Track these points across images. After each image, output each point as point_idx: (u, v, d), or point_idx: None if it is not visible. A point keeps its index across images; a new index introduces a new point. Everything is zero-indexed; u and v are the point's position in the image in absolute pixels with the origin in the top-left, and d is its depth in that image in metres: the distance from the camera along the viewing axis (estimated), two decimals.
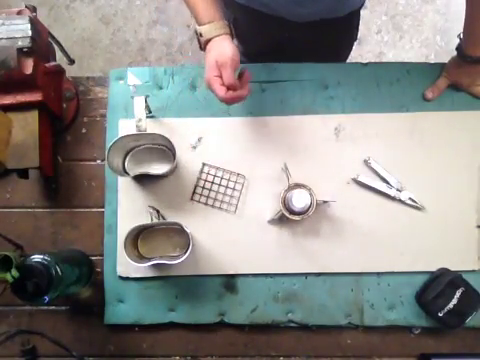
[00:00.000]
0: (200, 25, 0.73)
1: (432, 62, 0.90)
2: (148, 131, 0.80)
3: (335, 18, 0.93)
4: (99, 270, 0.86)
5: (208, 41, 0.72)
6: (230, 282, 0.83)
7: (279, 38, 0.99)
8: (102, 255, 0.85)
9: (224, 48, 0.71)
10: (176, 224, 0.80)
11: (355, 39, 1.10)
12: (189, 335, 0.84)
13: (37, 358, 0.85)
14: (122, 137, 0.79)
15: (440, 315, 0.79)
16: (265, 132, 0.86)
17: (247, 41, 1.14)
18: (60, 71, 0.88)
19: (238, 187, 0.84)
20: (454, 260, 0.82)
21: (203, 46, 0.73)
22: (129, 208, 0.84)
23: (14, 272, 0.65)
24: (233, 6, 0.96)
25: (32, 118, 0.81)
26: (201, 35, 0.72)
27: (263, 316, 0.83)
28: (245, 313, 0.83)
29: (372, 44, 1.84)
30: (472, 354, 0.83)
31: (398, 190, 0.82)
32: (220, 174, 0.85)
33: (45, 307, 0.86)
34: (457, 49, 0.81)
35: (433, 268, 0.82)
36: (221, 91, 0.70)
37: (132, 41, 1.89)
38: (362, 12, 1.00)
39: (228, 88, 0.70)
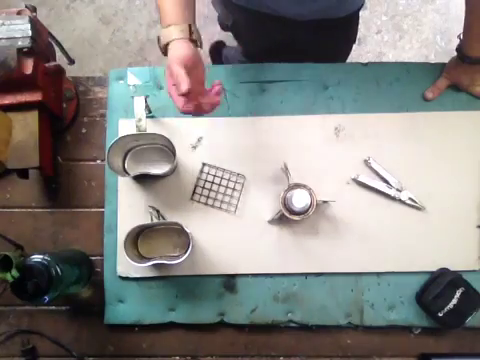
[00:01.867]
0: (162, 27, 0.66)
1: (432, 62, 0.90)
2: (148, 131, 0.80)
3: (334, 19, 0.93)
4: (99, 270, 0.86)
5: (166, 46, 0.65)
6: (230, 282, 0.83)
7: (279, 38, 0.99)
8: (102, 255, 0.85)
9: (178, 50, 0.64)
10: (176, 224, 0.80)
11: (354, 40, 1.10)
12: (189, 335, 0.84)
13: (37, 358, 0.85)
14: (122, 137, 0.79)
15: (440, 315, 0.79)
16: (265, 132, 0.85)
17: (247, 42, 1.14)
18: (60, 71, 0.88)
19: (238, 187, 0.84)
20: (454, 260, 0.82)
21: (162, 51, 0.66)
22: (129, 208, 0.84)
23: (14, 272, 0.65)
24: (232, 8, 0.96)
25: (32, 118, 0.81)
26: (158, 39, 0.66)
27: (263, 316, 0.83)
28: (245, 313, 0.83)
29: (372, 44, 1.84)
30: (472, 354, 0.83)
31: (398, 190, 0.82)
32: (220, 174, 0.85)
33: (45, 307, 0.86)
34: (457, 50, 0.81)
35: (433, 268, 0.82)
36: (179, 101, 0.63)
37: (132, 41, 1.89)
38: (362, 12, 1.01)
39: (188, 96, 0.63)
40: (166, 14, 0.66)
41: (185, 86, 0.60)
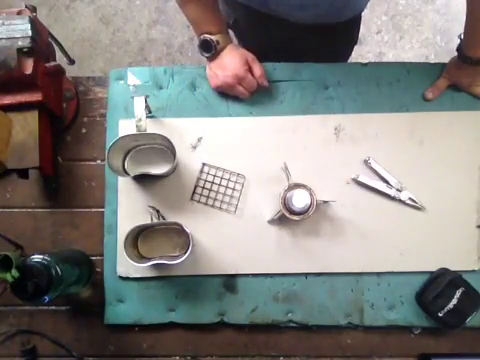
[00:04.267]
0: (213, 34, 0.81)
1: (432, 62, 0.90)
2: (148, 131, 0.80)
3: (336, 22, 0.93)
4: (99, 270, 0.86)
5: (223, 48, 0.83)
6: (230, 282, 0.83)
7: (280, 39, 0.99)
8: (102, 255, 0.85)
9: (244, 50, 0.85)
10: (176, 224, 0.80)
11: (355, 42, 1.10)
12: (189, 335, 0.84)
13: (37, 358, 0.85)
14: (122, 137, 0.79)
15: (440, 315, 0.79)
16: (265, 132, 0.86)
17: (247, 41, 1.14)
18: (60, 71, 0.88)
19: (238, 187, 0.84)
20: (454, 260, 0.82)
21: (217, 52, 0.83)
22: (129, 208, 0.84)
23: (14, 272, 0.65)
24: (234, 6, 0.96)
25: (32, 118, 0.81)
26: (218, 42, 0.82)
27: (263, 316, 0.83)
28: (245, 313, 0.83)
29: (372, 44, 1.84)
30: (472, 354, 0.83)
31: (398, 190, 0.82)
32: (220, 174, 0.85)
33: (45, 307, 0.86)
34: (457, 50, 0.81)
35: (433, 268, 0.82)
36: (253, 82, 0.84)
37: (132, 41, 1.89)
38: (362, 13, 1.00)
39: (257, 82, 0.84)
40: (216, 22, 0.83)
41: (262, 68, 0.85)
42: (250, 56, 0.84)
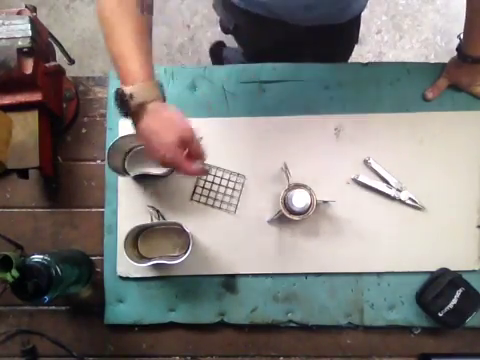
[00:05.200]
0: (129, 84, 0.57)
1: (432, 62, 0.90)
2: None
3: (337, 23, 0.93)
4: (99, 270, 0.86)
5: (142, 105, 0.58)
6: (230, 282, 0.83)
7: (281, 41, 0.99)
8: (102, 255, 0.85)
9: (179, 119, 0.60)
10: (176, 224, 0.80)
11: (356, 41, 1.10)
12: (189, 335, 0.84)
13: (37, 358, 0.85)
14: (122, 137, 0.79)
15: (440, 315, 0.79)
16: (265, 132, 0.85)
17: (248, 44, 1.14)
18: (60, 71, 0.88)
19: (238, 187, 0.84)
20: (454, 260, 0.82)
21: (131, 111, 0.58)
22: (129, 208, 0.84)
23: (14, 272, 0.65)
24: (234, 11, 0.95)
25: (32, 118, 0.81)
26: (131, 97, 0.56)
27: (263, 316, 0.83)
28: (245, 313, 0.83)
29: (372, 44, 1.84)
30: (472, 354, 0.83)
31: (398, 190, 0.82)
32: (220, 174, 0.85)
33: (45, 307, 0.86)
34: (457, 49, 0.81)
35: (433, 268, 0.82)
36: (191, 166, 0.62)
37: None
38: (362, 12, 1.01)
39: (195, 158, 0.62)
40: (137, 69, 0.57)
41: (201, 147, 0.62)
42: (186, 134, 0.61)
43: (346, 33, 1.02)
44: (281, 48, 0.97)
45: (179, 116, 0.61)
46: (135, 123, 0.60)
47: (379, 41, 1.85)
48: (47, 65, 0.82)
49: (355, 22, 1.00)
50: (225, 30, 1.31)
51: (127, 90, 0.56)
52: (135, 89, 0.57)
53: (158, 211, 0.83)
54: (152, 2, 0.64)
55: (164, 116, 0.60)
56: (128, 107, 0.57)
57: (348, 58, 1.18)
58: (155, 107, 0.59)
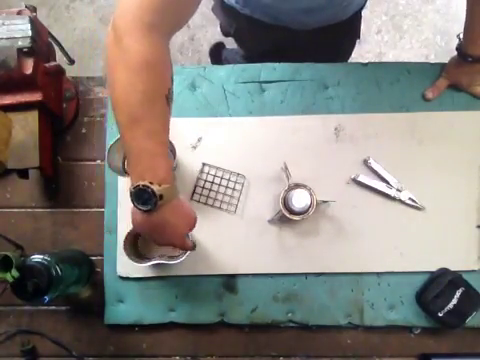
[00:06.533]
0: (155, 182, 0.57)
1: (432, 62, 0.90)
2: None
3: (339, 21, 0.93)
4: (99, 270, 0.86)
5: (165, 203, 0.59)
6: (230, 282, 0.83)
7: (282, 43, 0.99)
8: (102, 255, 0.85)
9: (192, 214, 0.68)
10: None
11: (358, 37, 1.09)
12: (189, 335, 0.84)
13: (37, 358, 0.85)
14: None
15: (440, 315, 0.79)
16: (265, 132, 0.85)
17: (249, 47, 1.13)
18: (60, 71, 0.88)
19: (238, 187, 0.84)
20: (454, 260, 0.82)
21: (157, 207, 0.59)
22: (129, 208, 0.84)
23: (14, 272, 0.65)
24: (235, 16, 0.95)
25: (32, 118, 0.81)
26: (161, 198, 0.58)
27: (263, 316, 0.83)
28: (245, 313, 0.83)
29: (372, 44, 1.84)
30: (472, 354, 0.83)
31: (398, 190, 0.82)
32: (220, 174, 0.85)
33: (45, 307, 0.86)
34: (457, 49, 0.81)
35: (433, 268, 0.82)
36: (190, 244, 0.71)
37: None
38: (362, 12, 1.00)
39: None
40: (165, 172, 0.59)
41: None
42: (193, 222, 0.68)
43: (348, 29, 1.02)
44: (282, 51, 0.97)
45: (191, 210, 0.68)
46: (146, 213, 0.60)
47: (379, 41, 1.85)
48: (47, 65, 0.82)
49: (356, 17, 1.00)
50: (225, 33, 1.31)
51: (157, 191, 0.57)
52: (164, 191, 0.58)
53: None
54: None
55: (181, 212, 0.64)
56: (154, 205, 0.58)
57: (351, 53, 1.18)
58: (174, 203, 0.61)
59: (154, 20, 0.55)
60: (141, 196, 0.57)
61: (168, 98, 0.59)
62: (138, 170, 0.58)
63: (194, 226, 0.68)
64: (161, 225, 0.61)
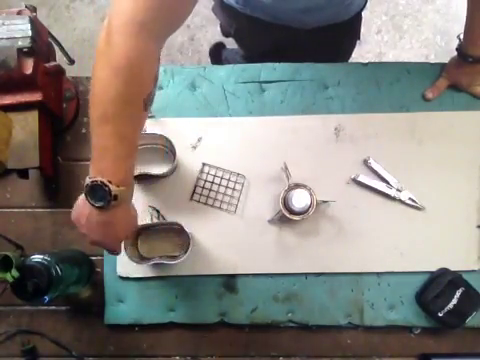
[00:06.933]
0: (114, 182, 0.57)
1: (432, 62, 0.90)
2: (148, 131, 0.80)
3: (340, 22, 0.93)
4: (99, 270, 0.86)
5: (117, 204, 0.59)
6: (230, 282, 0.83)
7: (282, 43, 0.99)
8: (102, 255, 0.85)
9: (134, 221, 0.67)
10: (176, 224, 0.80)
11: (358, 38, 1.09)
12: (189, 335, 0.84)
13: (37, 358, 0.85)
14: None
15: (440, 315, 0.79)
16: (265, 132, 0.85)
17: (249, 47, 1.13)
18: (60, 71, 0.88)
19: (238, 187, 0.84)
20: (454, 260, 0.82)
21: (109, 206, 0.58)
22: None
23: (14, 272, 0.65)
24: (235, 15, 0.95)
25: (32, 118, 0.81)
26: (115, 198, 0.57)
27: (263, 316, 0.83)
28: (245, 313, 0.83)
29: (372, 44, 1.84)
30: (472, 354, 0.83)
31: (398, 190, 0.82)
32: (220, 174, 0.85)
33: (45, 307, 0.86)
34: (457, 49, 0.81)
35: (433, 268, 0.82)
36: (120, 248, 0.69)
37: None
38: (362, 13, 1.00)
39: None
40: (126, 172, 0.59)
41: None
42: (133, 229, 0.69)
43: (349, 29, 1.02)
44: (283, 51, 0.97)
45: (135, 219, 0.68)
46: (97, 209, 0.59)
47: (379, 41, 1.85)
48: (47, 65, 0.82)
49: (357, 18, 1.00)
50: (226, 33, 1.31)
51: (114, 191, 0.56)
52: (121, 192, 0.58)
53: (158, 211, 0.83)
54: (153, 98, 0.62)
55: (128, 217, 0.64)
56: (107, 203, 0.57)
57: (351, 53, 1.18)
58: (124, 206, 0.61)
59: (146, 20, 0.54)
60: (96, 192, 0.57)
61: (146, 102, 0.58)
62: (99, 166, 0.58)
63: (131, 235, 0.71)
64: (104, 224, 0.61)
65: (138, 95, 0.57)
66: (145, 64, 0.56)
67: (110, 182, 0.56)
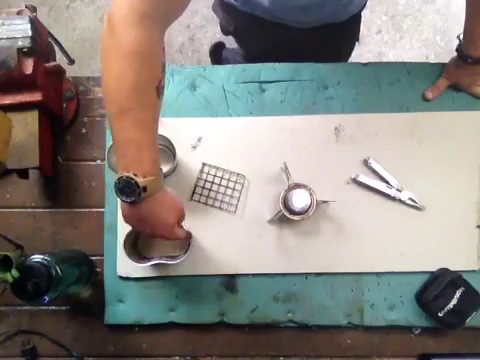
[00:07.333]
0: (140, 174, 0.57)
1: (432, 62, 0.90)
2: None
3: (337, 22, 0.93)
4: (99, 270, 0.86)
5: (150, 195, 0.59)
6: (230, 282, 0.83)
7: (282, 42, 0.99)
8: (102, 255, 0.85)
9: (178, 203, 0.67)
10: None
11: (357, 39, 1.10)
12: (189, 335, 0.84)
13: (37, 358, 0.85)
14: None
15: (440, 315, 0.79)
16: (265, 132, 0.86)
17: (249, 46, 1.13)
18: (60, 71, 0.88)
19: (238, 187, 0.84)
20: (454, 260, 0.82)
21: (141, 199, 0.58)
22: None
23: (14, 272, 0.65)
24: (235, 13, 0.95)
25: (32, 118, 0.81)
26: (145, 190, 0.57)
27: (263, 316, 0.83)
28: (245, 313, 0.83)
29: (372, 44, 1.84)
30: (472, 354, 0.83)
31: (398, 190, 0.82)
32: (220, 174, 0.85)
33: (45, 307, 0.86)
34: (457, 50, 0.81)
35: (433, 268, 0.82)
36: (183, 234, 0.70)
37: None
38: (362, 12, 1.01)
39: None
40: (152, 164, 0.59)
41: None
42: (182, 213, 0.68)
43: (348, 29, 1.02)
44: (282, 50, 0.97)
45: (177, 200, 0.67)
46: (132, 204, 0.60)
47: (379, 41, 1.85)
48: (47, 65, 0.82)
49: (356, 18, 1.00)
50: (225, 32, 1.31)
51: (141, 183, 0.57)
52: (149, 183, 0.58)
53: None
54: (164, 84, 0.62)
55: (167, 203, 0.64)
56: (138, 197, 0.58)
57: (350, 55, 1.18)
58: (159, 195, 0.61)
59: (147, 9, 0.55)
60: (125, 188, 0.57)
61: (159, 90, 0.59)
62: (124, 161, 0.58)
63: (182, 216, 0.68)
64: (147, 217, 0.62)
65: (151, 83, 0.57)
66: (154, 53, 0.57)
67: (136, 175, 0.57)
